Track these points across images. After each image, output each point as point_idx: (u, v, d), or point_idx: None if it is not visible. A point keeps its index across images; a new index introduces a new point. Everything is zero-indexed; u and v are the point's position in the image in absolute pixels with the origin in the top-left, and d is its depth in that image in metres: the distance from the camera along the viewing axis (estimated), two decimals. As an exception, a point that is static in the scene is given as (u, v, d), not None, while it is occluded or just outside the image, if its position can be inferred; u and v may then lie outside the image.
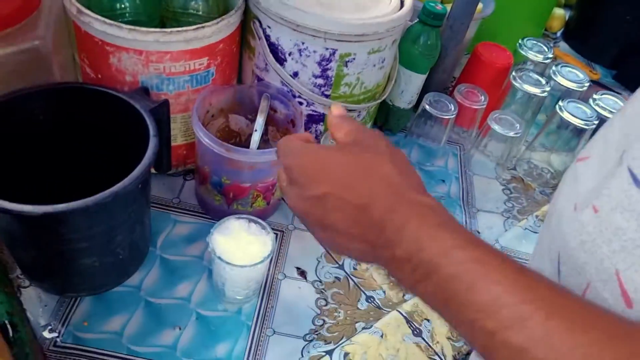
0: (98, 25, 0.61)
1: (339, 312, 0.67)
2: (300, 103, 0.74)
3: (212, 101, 0.71)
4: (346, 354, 0.61)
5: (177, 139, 0.73)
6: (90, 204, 0.50)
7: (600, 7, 1.20)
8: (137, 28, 0.60)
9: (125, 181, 0.52)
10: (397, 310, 0.66)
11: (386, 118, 0.90)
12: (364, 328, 0.65)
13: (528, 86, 0.86)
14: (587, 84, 0.91)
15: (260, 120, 0.71)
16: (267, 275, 0.69)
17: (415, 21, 0.81)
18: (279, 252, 0.72)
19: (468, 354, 0.65)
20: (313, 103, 0.74)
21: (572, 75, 0.92)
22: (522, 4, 1.06)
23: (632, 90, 0.41)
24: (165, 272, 0.67)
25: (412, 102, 0.89)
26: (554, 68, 0.92)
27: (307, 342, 0.63)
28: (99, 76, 0.66)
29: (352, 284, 0.70)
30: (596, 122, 0.82)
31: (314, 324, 0.65)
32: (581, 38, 1.27)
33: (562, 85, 0.90)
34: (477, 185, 0.87)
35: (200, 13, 0.70)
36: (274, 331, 0.64)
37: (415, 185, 0.38)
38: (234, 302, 0.65)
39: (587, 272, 0.33)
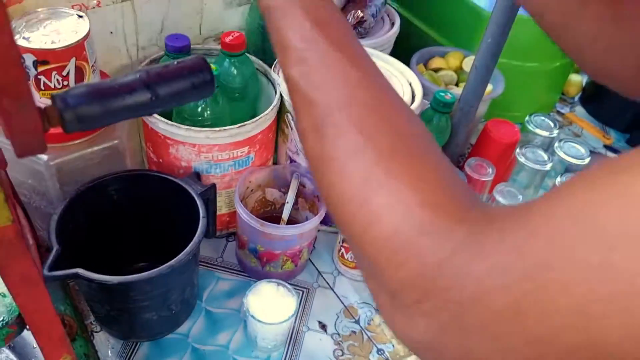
0: (162, 125, 0.76)
1: (353, 362, 0.79)
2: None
3: (252, 179, 0.85)
4: (355, 401, 0.73)
5: (222, 209, 0.88)
6: (153, 275, 0.65)
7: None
8: (192, 127, 0.76)
9: (180, 256, 0.67)
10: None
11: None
12: (372, 377, 0.76)
13: (531, 163, 0.97)
14: (588, 159, 1.00)
15: (291, 195, 0.85)
16: (293, 328, 0.82)
17: (427, 107, 0.94)
18: (304, 307, 0.85)
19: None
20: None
21: (574, 150, 1.01)
22: (534, 79, 1.17)
23: None
24: (208, 322, 0.81)
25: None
26: (557, 144, 1.02)
27: (324, 388, 0.75)
28: (161, 161, 0.81)
29: (365, 338, 0.82)
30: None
31: (330, 372, 0.78)
32: (597, 102, 1.35)
33: (564, 159, 1.00)
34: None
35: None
36: (297, 377, 0.77)
37: None
38: (265, 350, 0.78)
39: None
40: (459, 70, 1.11)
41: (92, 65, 0.70)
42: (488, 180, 0.99)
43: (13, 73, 0.32)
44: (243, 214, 0.78)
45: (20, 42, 0.64)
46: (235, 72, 0.83)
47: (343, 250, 0.86)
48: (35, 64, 0.65)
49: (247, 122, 0.78)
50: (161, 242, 0.74)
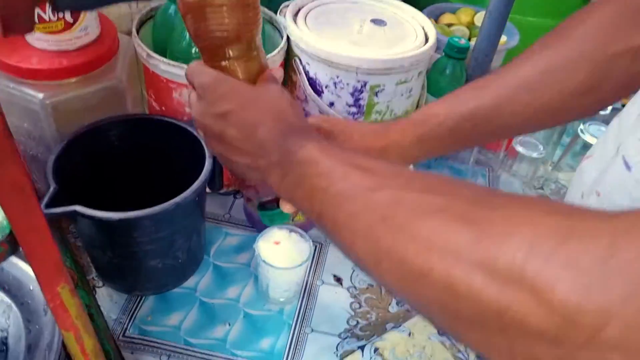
0: (163, 67, 0.72)
1: (371, 314, 0.74)
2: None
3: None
4: (376, 349, 0.68)
5: (229, 162, 0.84)
6: (157, 211, 0.61)
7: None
8: (196, 66, 0.72)
9: (186, 193, 0.62)
10: (423, 313, 0.73)
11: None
12: (393, 327, 0.71)
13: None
14: (610, 108, 0.96)
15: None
16: (306, 281, 0.77)
17: (441, 55, 0.90)
18: (317, 261, 0.80)
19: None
20: (347, 128, 0.83)
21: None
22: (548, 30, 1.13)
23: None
24: (217, 277, 0.76)
25: (441, 127, 0.96)
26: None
27: (341, 340, 0.71)
28: (163, 108, 0.77)
29: (383, 290, 0.77)
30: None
31: (348, 323, 0.73)
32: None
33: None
34: (504, 203, 0.93)
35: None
36: (312, 329, 0.72)
37: (299, 115, 0.46)
38: (277, 303, 0.73)
39: None
40: (471, 25, 1.07)
41: None
42: (506, 132, 0.94)
43: None
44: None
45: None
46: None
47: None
48: (29, -9, 0.62)
49: (254, 61, 0.74)
50: (165, 190, 0.70)
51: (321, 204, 0.39)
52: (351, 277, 0.79)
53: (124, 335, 0.68)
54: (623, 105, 0.57)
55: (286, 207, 0.57)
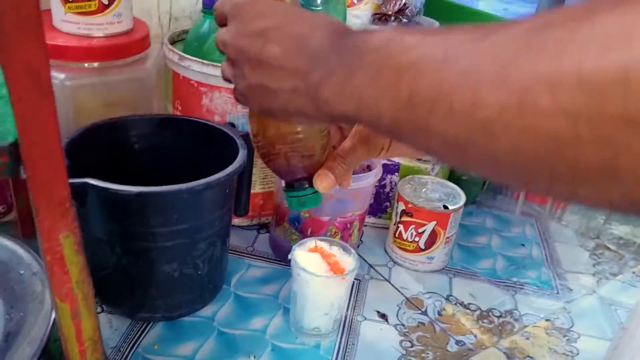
0: (196, 67, 0.67)
1: (427, 354, 0.60)
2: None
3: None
4: (441, 384, 0.54)
5: (256, 186, 0.75)
6: (182, 189, 0.51)
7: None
8: (232, 66, 0.67)
9: (217, 175, 0.54)
10: (494, 347, 0.59)
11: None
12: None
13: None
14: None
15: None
16: (345, 316, 0.64)
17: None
18: (356, 297, 0.68)
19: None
20: (388, 151, 0.76)
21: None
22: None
23: None
24: (239, 307, 0.64)
25: (483, 169, 0.89)
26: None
27: (394, 378, 0.57)
28: (191, 118, 0.71)
29: (438, 329, 0.64)
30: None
31: (400, 363, 0.59)
32: None
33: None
34: (560, 250, 0.83)
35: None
36: (357, 366, 0.58)
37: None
38: (312, 335, 0.60)
39: None
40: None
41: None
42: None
43: None
44: (287, 163, 0.65)
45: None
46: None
47: (401, 228, 0.72)
48: (66, -37, 0.59)
49: (292, 66, 0.69)
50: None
51: (413, 81, 0.30)
52: (397, 314, 0.66)
53: (123, 364, 0.54)
54: None
55: (322, 184, 0.48)
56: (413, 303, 0.68)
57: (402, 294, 0.69)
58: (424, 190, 0.73)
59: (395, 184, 0.78)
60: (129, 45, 0.63)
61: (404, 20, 0.91)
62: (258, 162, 0.73)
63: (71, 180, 0.49)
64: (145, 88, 0.65)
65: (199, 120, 0.66)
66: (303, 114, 0.39)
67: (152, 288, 0.57)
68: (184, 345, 0.58)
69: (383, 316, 0.66)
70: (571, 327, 0.66)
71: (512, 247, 0.82)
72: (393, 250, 0.74)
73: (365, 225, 0.82)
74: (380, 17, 0.92)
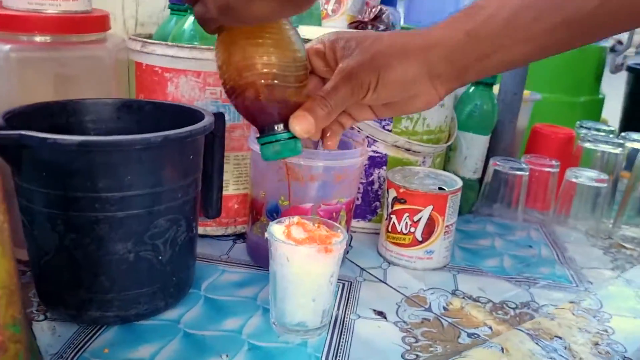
0: (160, 50, 0.62)
1: (436, 347, 0.50)
2: (360, 147, 0.69)
3: (268, 140, 0.67)
4: (458, 367, 0.44)
5: (229, 187, 0.67)
6: (134, 141, 0.44)
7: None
8: (197, 46, 0.62)
9: (178, 130, 0.46)
10: (516, 328, 0.50)
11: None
12: (477, 345, 0.48)
13: (602, 145, 0.81)
14: None
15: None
16: (337, 314, 0.55)
17: (469, 86, 0.81)
18: (348, 298, 0.58)
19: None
20: (374, 142, 0.69)
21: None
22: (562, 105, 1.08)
23: None
24: (210, 309, 0.54)
25: (478, 171, 0.82)
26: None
27: (399, 370, 0.46)
28: (155, 110, 0.65)
29: (446, 324, 0.54)
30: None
31: (404, 358, 0.49)
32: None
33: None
34: (572, 249, 0.74)
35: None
36: (353, 363, 0.48)
37: None
38: (298, 330, 0.50)
39: None
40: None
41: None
42: (553, 173, 0.81)
43: None
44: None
45: None
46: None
47: (394, 219, 0.64)
48: None
49: (265, 49, 0.64)
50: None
51: None
52: (397, 312, 0.56)
53: (62, 368, 0.44)
54: None
55: (298, 125, 0.42)
56: (414, 300, 0.59)
57: (400, 293, 0.60)
58: (416, 178, 0.66)
59: (385, 179, 0.71)
60: (86, 21, 0.58)
61: (381, 27, 0.88)
62: (231, 158, 0.66)
63: (4, 132, 0.42)
64: (103, 70, 0.59)
65: (165, 102, 0.60)
66: None
67: (102, 276, 0.47)
68: (142, 348, 0.47)
69: (380, 314, 0.56)
70: (600, 308, 0.56)
71: (519, 248, 0.73)
72: (387, 248, 0.66)
73: (355, 232, 0.74)
74: (356, 26, 0.89)
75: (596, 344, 0.49)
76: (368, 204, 0.73)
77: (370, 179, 0.71)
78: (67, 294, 0.49)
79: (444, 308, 0.57)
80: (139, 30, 0.77)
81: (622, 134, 0.89)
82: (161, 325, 0.51)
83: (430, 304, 0.58)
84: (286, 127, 0.43)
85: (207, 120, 0.51)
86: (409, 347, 0.50)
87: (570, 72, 1.07)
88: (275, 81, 0.41)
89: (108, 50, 0.60)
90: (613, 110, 1.36)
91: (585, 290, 0.62)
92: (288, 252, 0.47)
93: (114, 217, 0.45)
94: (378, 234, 0.69)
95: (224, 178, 0.64)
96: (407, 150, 0.70)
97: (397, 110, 0.47)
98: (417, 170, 0.68)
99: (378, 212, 0.73)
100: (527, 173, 0.77)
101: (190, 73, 0.62)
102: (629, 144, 0.86)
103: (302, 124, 0.42)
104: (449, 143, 0.75)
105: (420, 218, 0.62)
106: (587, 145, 0.83)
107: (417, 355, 0.49)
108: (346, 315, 0.55)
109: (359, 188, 0.71)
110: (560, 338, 0.50)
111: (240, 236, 0.70)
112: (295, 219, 0.51)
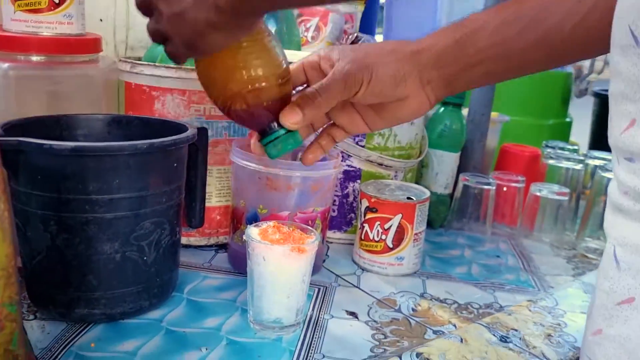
0: (148, 71, 0.67)
1: (403, 342, 0.54)
2: (336, 161, 0.74)
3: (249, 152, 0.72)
4: (419, 354, 0.47)
5: (212, 199, 0.71)
6: (124, 147, 0.48)
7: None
8: (183, 67, 0.66)
9: (163, 139, 0.51)
10: (476, 322, 0.54)
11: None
12: (436, 338, 0.51)
13: (565, 162, 0.86)
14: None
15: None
16: (311, 315, 0.58)
17: (439, 107, 0.87)
18: (322, 300, 0.62)
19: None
20: (348, 157, 0.74)
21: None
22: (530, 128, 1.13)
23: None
24: (192, 309, 0.57)
25: (449, 187, 0.87)
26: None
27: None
28: (143, 127, 0.69)
29: (413, 322, 0.58)
30: None
31: (373, 351, 0.52)
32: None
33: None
34: (537, 259, 0.79)
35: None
36: (324, 355, 0.51)
37: None
38: (274, 326, 0.53)
39: None
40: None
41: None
42: (520, 188, 0.86)
43: None
44: (240, 154, 0.63)
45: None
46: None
47: (367, 228, 0.68)
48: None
49: (246, 70, 0.69)
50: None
51: None
52: (368, 312, 0.60)
53: (51, 360, 0.47)
54: None
55: (288, 119, 0.46)
56: (385, 303, 0.62)
57: (372, 296, 0.64)
58: (387, 189, 0.71)
59: (359, 191, 0.75)
60: (79, 43, 0.63)
61: (358, 53, 0.94)
62: (214, 172, 0.71)
63: (4, 139, 0.46)
64: (95, 88, 0.64)
65: (152, 117, 0.64)
66: (212, 25, 0.40)
67: (90, 275, 0.51)
68: (126, 343, 0.50)
69: (352, 314, 0.59)
70: (556, 305, 0.60)
71: (487, 258, 0.78)
72: (360, 255, 0.70)
73: (331, 242, 0.77)
74: (334, 52, 0.95)
75: (549, 335, 0.53)
76: (343, 216, 0.77)
77: (345, 192, 0.76)
78: (57, 293, 0.52)
79: (413, 309, 0.61)
80: (128, 53, 0.82)
81: (585, 152, 0.95)
82: (145, 324, 0.54)
83: (399, 305, 0.62)
84: (279, 124, 0.48)
85: (190, 131, 0.56)
86: (377, 343, 0.54)
87: (538, 96, 1.13)
88: (257, 85, 0.45)
89: (99, 70, 0.64)
90: (583, 132, 1.43)
91: (545, 292, 0.66)
92: (264, 252, 0.51)
93: (103, 219, 0.49)
94: (353, 244, 0.73)
95: (207, 190, 0.68)
96: (380, 164, 0.75)
97: (389, 117, 0.51)
98: (389, 182, 0.73)
99: (353, 223, 0.77)
100: (493, 187, 0.82)
101: (176, 92, 0.67)
102: (591, 162, 0.91)
103: (290, 116, 0.47)
104: (419, 159, 0.80)
105: (391, 226, 0.66)
106: (551, 162, 0.88)
107: (384, 349, 0.53)
108: (320, 316, 0.58)
109: (334, 200, 0.76)
110: (516, 330, 0.53)
111: (222, 246, 0.74)
112: (272, 222, 0.56)
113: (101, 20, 0.78)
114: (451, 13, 1.32)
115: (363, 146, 0.74)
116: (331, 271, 0.70)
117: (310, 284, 0.57)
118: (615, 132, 0.34)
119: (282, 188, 0.62)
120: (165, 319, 0.55)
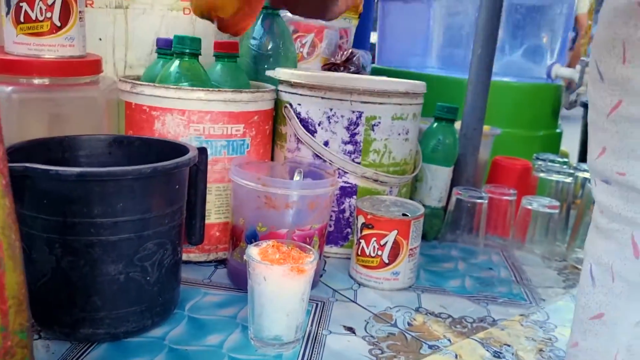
0: (148, 91, 0.68)
1: (400, 358, 0.56)
2: (332, 178, 0.76)
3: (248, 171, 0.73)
4: (415, 371, 0.49)
5: (211, 216, 0.73)
6: (127, 172, 0.50)
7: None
8: (182, 87, 0.68)
9: (166, 163, 0.52)
10: (469, 338, 0.55)
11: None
12: (433, 352, 0.53)
13: (555, 174, 0.88)
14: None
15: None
16: (310, 330, 0.60)
17: (431, 122, 0.89)
18: (320, 315, 0.64)
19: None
20: (344, 173, 0.76)
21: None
22: (520, 139, 1.16)
23: None
24: (193, 327, 0.59)
25: (442, 200, 0.89)
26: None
27: (364, 377, 0.51)
28: (143, 146, 0.70)
29: (409, 337, 0.60)
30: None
31: (370, 367, 0.54)
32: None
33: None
34: (529, 271, 0.81)
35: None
36: (323, 372, 0.53)
37: None
38: (274, 344, 0.55)
39: None
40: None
41: (80, 12, 0.65)
42: (512, 201, 0.88)
43: None
44: (239, 173, 0.64)
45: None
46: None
47: (363, 244, 0.69)
48: (19, -14, 0.61)
49: (244, 89, 0.71)
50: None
51: None
52: (365, 327, 0.61)
53: (57, 379, 0.48)
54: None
55: None
56: (381, 317, 0.64)
57: (369, 311, 0.65)
58: (383, 205, 0.73)
59: (355, 207, 0.77)
60: (80, 65, 0.64)
61: (352, 68, 0.96)
62: (213, 189, 0.72)
63: (11, 165, 0.47)
64: (96, 109, 0.65)
65: (153, 138, 0.66)
66: None
67: (95, 295, 0.52)
68: (130, 361, 0.52)
69: (350, 329, 0.61)
70: (547, 319, 0.62)
71: (480, 270, 0.80)
72: (357, 270, 0.71)
73: (328, 257, 0.79)
74: (329, 67, 0.97)
75: (541, 350, 0.55)
76: (340, 231, 0.78)
77: (341, 207, 0.77)
78: (62, 314, 0.53)
79: (408, 323, 0.62)
80: (127, 71, 0.83)
81: (575, 164, 0.97)
82: (148, 342, 0.55)
83: (395, 320, 0.63)
84: None
85: (191, 153, 0.57)
86: (375, 358, 0.55)
87: (529, 108, 1.16)
88: None
89: (100, 91, 0.66)
90: (574, 142, 1.45)
91: (537, 305, 0.68)
92: (264, 272, 0.53)
93: (108, 241, 0.51)
94: (349, 258, 0.75)
95: (207, 207, 0.69)
96: (375, 180, 0.76)
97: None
98: (384, 198, 0.75)
99: (349, 238, 0.78)
100: (486, 201, 0.84)
101: (175, 111, 0.68)
102: (580, 174, 0.93)
103: None
104: (413, 174, 0.82)
105: (387, 242, 0.68)
106: (542, 175, 0.90)
107: (382, 365, 0.54)
108: (318, 331, 0.60)
109: (331, 216, 0.77)
110: (509, 345, 0.55)
111: (221, 262, 0.75)
112: (271, 242, 0.57)
113: (100, 39, 0.79)
114: (443, 23, 1.35)
115: (359, 163, 0.75)
116: (328, 286, 0.71)
117: (309, 299, 0.58)
118: (592, 156, 0.37)
119: (280, 206, 0.64)
120: (168, 337, 0.56)
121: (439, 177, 0.87)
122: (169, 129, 0.69)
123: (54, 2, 0.62)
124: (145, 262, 0.53)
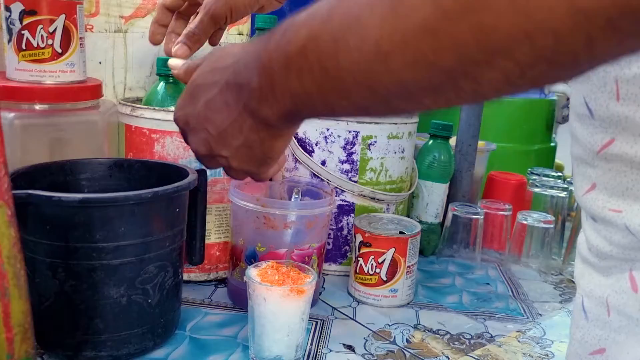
0: (148, 114, 0.69)
1: (398, 375, 0.56)
2: (330, 196, 0.77)
3: (246, 192, 0.74)
4: (414, 389, 0.49)
5: (211, 236, 0.74)
6: (129, 197, 0.50)
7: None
8: (182, 110, 0.69)
9: (166, 187, 0.53)
10: (467, 355, 0.56)
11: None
12: (430, 372, 0.54)
13: (549, 189, 0.89)
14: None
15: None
16: (310, 349, 0.60)
17: (426, 140, 0.90)
18: (320, 334, 0.64)
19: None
20: (342, 192, 0.77)
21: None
22: (515, 154, 1.17)
23: None
24: (194, 347, 0.59)
25: (439, 216, 0.90)
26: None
27: (364, 396, 0.52)
28: (143, 168, 0.71)
29: (408, 354, 0.60)
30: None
31: (370, 385, 0.55)
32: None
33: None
34: (525, 285, 0.82)
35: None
36: (323, 391, 0.53)
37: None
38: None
39: None
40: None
41: (80, 38, 0.67)
42: (507, 216, 0.89)
43: None
44: (238, 195, 0.65)
45: (11, -10, 0.62)
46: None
47: (361, 262, 0.70)
48: (22, 15, 0.62)
49: (242, 111, 0.72)
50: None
51: (306, 37, 0.31)
52: (365, 345, 0.62)
53: (61, 401, 0.48)
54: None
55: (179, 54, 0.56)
56: (380, 335, 0.65)
57: (368, 328, 0.66)
58: (380, 223, 0.74)
59: (353, 225, 0.78)
60: (81, 90, 0.65)
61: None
62: (213, 210, 0.73)
63: (14, 192, 0.48)
64: (96, 133, 0.66)
65: (153, 160, 0.67)
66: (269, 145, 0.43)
67: (97, 318, 0.53)
68: (132, 384, 0.52)
69: (349, 347, 0.62)
70: (543, 335, 0.63)
71: (477, 286, 0.80)
72: (356, 288, 0.72)
73: (327, 274, 0.80)
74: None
75: (537, 366, 0.56)
76: (338, 249, 0.79)
77: (340, 225, 0.78)
78: (65, 337, 0.54)
79: (407, 341, 0.63)
80: (127, 94, 0.84)
81: (569, 178, 0.98)
82: (149, 363, 0.56)
83: (394, 337, 0.64)
84: None
85: (191, 177, 0.58)
86: (374, 376, 0.56)
87: (523, 123, 1.17)
88: None
89: (101, 115, 0.67)
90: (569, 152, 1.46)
91: (533, 321, 0.69)
92: (264, 293, 0.54)
93: (109, 265, 0.51)
94: (348, 275, 0.76)
95: (207, 228, 0.70)
96: (372, 198, 0.77)
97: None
98: (382, 216, 0.76)
99: (348, 255, 0.79)
100: (482, 216, 0.85)
101: (175, 134, 0.69)
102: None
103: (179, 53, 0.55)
104: (410, 191, 0.83)
105: (384, 260, 0.69)
106: (536, 190, 0.92)
107: (381, 383, 0.55)
108: (319, 350, 0.61)
109: (329, 234, 0.78)
110: (506, 362, 0.56)
111: (221, 281, 0.76)
112: (271, 262, 0.58)
113: (100, 62, 0.81)
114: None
115: (356, 181, 0.77)
116: (328, 303, 0.72)
117: (310, 317, 0.59)
118: (579, 192, 0.36)
119: (279, 226, 0.65)
120: (170, 357, 0.57)
121: (435, 193, 0.89)
122: (169, 151, 0.70)
123: (55, 30, 0.63)
124: (147, 284, 0.54)
